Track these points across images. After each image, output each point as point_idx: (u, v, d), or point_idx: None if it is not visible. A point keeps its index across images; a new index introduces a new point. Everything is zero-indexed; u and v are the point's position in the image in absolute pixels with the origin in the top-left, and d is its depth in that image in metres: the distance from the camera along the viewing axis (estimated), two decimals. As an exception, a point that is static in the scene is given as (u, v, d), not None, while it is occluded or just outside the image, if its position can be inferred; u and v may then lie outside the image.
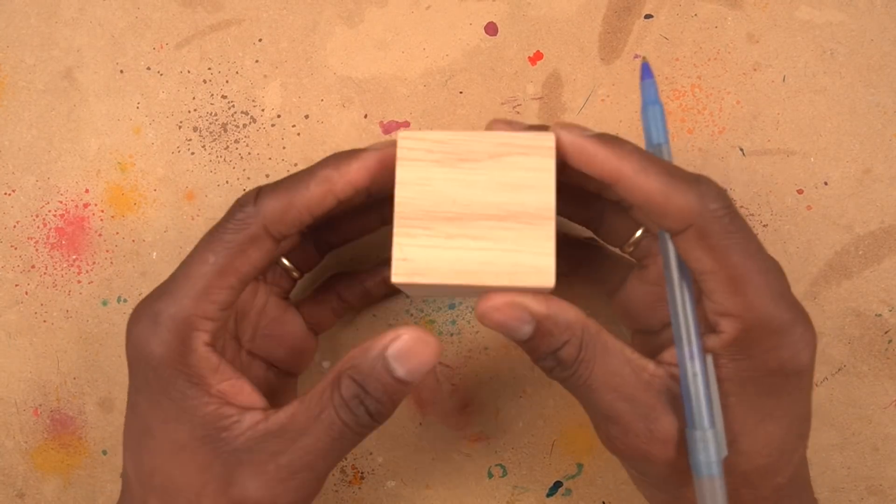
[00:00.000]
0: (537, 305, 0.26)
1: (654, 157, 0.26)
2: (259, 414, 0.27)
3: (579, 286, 0.36)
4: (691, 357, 0.26)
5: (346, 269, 0.35)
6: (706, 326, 0.27)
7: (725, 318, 0.26)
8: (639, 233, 0.31)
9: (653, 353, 0.28)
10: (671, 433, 0.26)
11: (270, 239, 0.27)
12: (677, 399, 0.27)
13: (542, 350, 0.26)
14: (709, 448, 0.26)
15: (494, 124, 0.27)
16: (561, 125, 0.26)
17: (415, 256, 0.25)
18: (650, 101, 0.28)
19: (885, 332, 0.36)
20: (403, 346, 0.25)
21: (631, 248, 0.31)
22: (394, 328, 0.26)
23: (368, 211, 0.32)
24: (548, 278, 0.25)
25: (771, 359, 0.26)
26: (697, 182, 0.25)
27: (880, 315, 0.36)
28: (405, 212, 0.25)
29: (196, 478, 0.26)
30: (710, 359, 0.26)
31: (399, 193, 0.25)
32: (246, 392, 0.27)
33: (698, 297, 0.27)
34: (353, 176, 0.26)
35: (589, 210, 0.32)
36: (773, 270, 0.26)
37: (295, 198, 0.26)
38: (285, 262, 0.33)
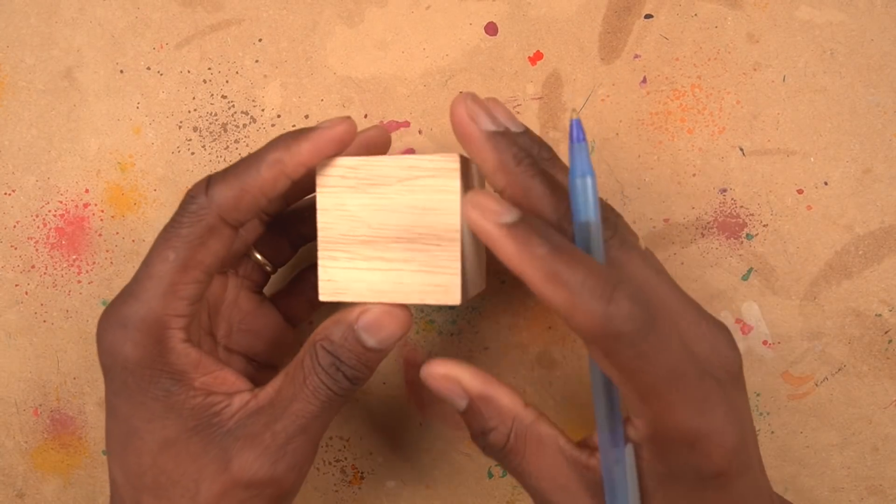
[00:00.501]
0: (472, 383, 0.27)
1: (569, 259, 0.23)
2: (247, 395, 0.27)
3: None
4: (614, 444, 0.26)
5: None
6: (627, 415, 0.26)
7: (637, 419, 0.25)
8: None
9: None
10: None
11: (228, 227, 0.27)
12: (600, 487, 0.26)
13: (474, 428, 0.27)
14: None
15: (459, 97, 0.26)
16: (475, 203, 0.24)
17: (337, 277, 0.27)
18: (580, 171, 0.25)
19: (885, 332, 0.36)
20: (372, 318, 0.26)
21: None
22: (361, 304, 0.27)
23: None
24: (454, 297, 0.26)
25: (683, 463, 0.25)
26: (609, 299, 0.23)
27: (880, 315, 0.36)
28: (327, 236, 0.27)
29: (191, 466, 0.26)
30: (630, 448, 0.25)
31: (320, 219, 0.27)
32: (230, 381, 0.28)
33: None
34: (303, 157, 0.26)
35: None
36: (693, 374, 0.24)
37: (247, 183, 0.26)
38: (258, 256, 0.33)
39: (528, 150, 0.26)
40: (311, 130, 0.26)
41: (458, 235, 0.26)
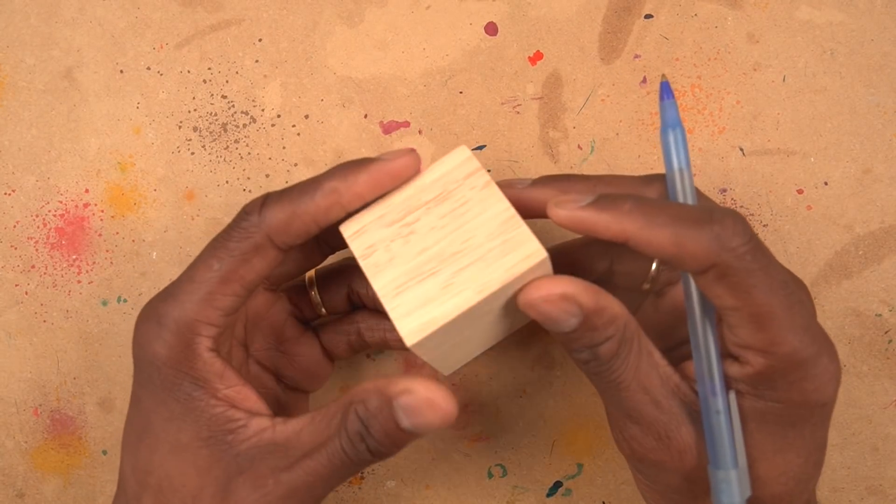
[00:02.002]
0: (588, 299, 0.25)
1: (658, 204, 0.25)
2: (266, 421, 0.27)
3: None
4: (713, 394, 0.26)
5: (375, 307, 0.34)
6: (728, 354, 0.26)
7: (749, 351, 0.25)
8: (653, 267, 0.30)
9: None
10: (689, 444, 0.26)
11: (275, 248, 0.26)
12: (697, 414, 0.26)
13: (582, 343, 0.26)
14: (732, 489, 0.25)
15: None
16: (555, 202, 0.25)
17: (415, 313, 0.25)
18: (671, 123, 0.27)
19: (885, 332, 0.36)
20: (413, 403, 0.25)
21: (647, 286, 0.31)
22: (410, 377, 0.25)
23: None
24: (537, 252, 0.25)
25: (795, 392, 0.25)
26: (711, 221, 0.24)
27: (880, 315, 0.36)
28: (389, 291, 0.25)
29: (194, 480, 0.26)
30: (733, 395, 0.26)
31: (375, 283, 0.25)
32: (252, 399, 0.27)
33: (720, 326, 0.26)
34: (360, 189, 0.26)
35: (597, 267, 0.31)
36: (799, 302, 0.25)
37: (300, 209, 0.26)
38: (317, 296, 0.32)
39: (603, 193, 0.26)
40: (371, 161, 0.26)
41: (508, 205, 0.25)
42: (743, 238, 0.24)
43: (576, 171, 0.36)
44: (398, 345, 0.32)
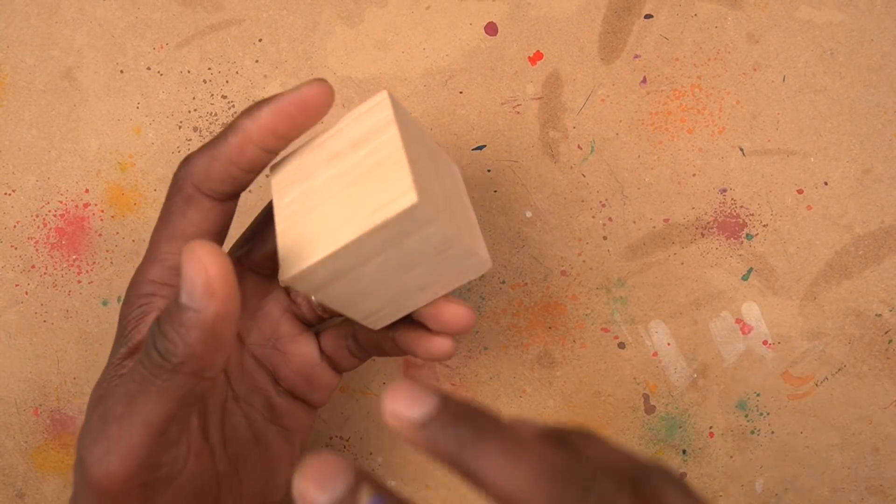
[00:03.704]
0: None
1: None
2: None
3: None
4: None
5: None
6: None
7: None
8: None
9: None
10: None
11: (204, 197, 0.27)
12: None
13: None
14: None
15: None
16: (393, 394, 0.20)
17: (294, 253, 0.24)
18: None
19: (885, 332, 0.36)
20: (185, 269, 0.22)
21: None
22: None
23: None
24: (409, 195, 0.23)
25: None
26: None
27: (880, 315, 0.36)
28: (281, 233, 0.25)
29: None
30: None
31: (278, 217, 0.26)
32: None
33: None
34: (265, 120, 0.26)
35: None
36: None
37: (215, 152, 0.26)
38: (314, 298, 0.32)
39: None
40: (274, 96, 0.26)
41: (397, 138, 0.24)
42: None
43: (576, 172, 0.36)
44: (389, 347, 0.31)
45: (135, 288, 0.27)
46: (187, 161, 0.27)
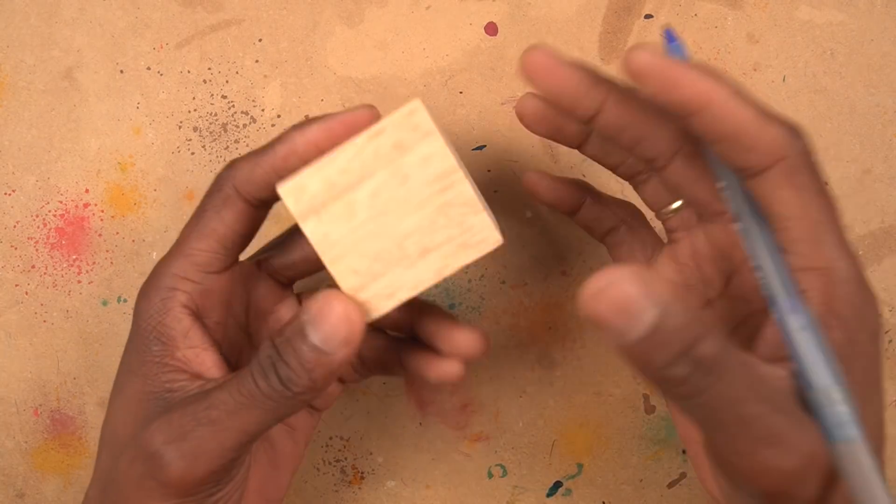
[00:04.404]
0: (663, 285, 0.20)
1: (741, 88, 0.23)
2: (205, 383, 0.27)
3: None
4: (794, 310, 0.22)
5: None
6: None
7: (809, 273, 0.23)
8: (677, 203, 0.29)
9: None
10: (822, 445, 0.22)
11: (242, 200, 0.27)
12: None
13: (671, 347, 0.20)
14: (837, 406, 0.21)
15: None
16: (639, 46, 0.22)
17: (369, 296, 0.25)
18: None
19: (885, 332, 0.36)
20: (316, 310, 0.24)
21: (668, 216, 0.29)
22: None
23: None
24: (493, 237, 0.25)
25: (858, 318, 0.22)
26: (785, 119, 0.23)
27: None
28: (340, 268, 0.25)
29: (130, 430, 0.27)
30: (813, 311, 0.23)
31: (322, 252, 0.25)
32: (206, 365, 0.28)
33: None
34: (313, 135, 0.26)
35: (641, 165, 0.29)
36: (842, 224, 0.23)
37: (261, 159, 0.27)
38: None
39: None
40: (326, 115, 0.27)
41: (460, 174, 0.24)
42: (809, 142, 0.23)
43: (576, 172, 0.36)
44: (397, 368, 0.31)
45: (156, 279, 0.28)
46: (232, 164, 0.28)
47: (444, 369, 0.29)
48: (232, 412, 0.25)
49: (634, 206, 0.31)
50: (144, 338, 0.28)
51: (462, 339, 0.29)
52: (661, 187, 0.29)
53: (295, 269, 0.31)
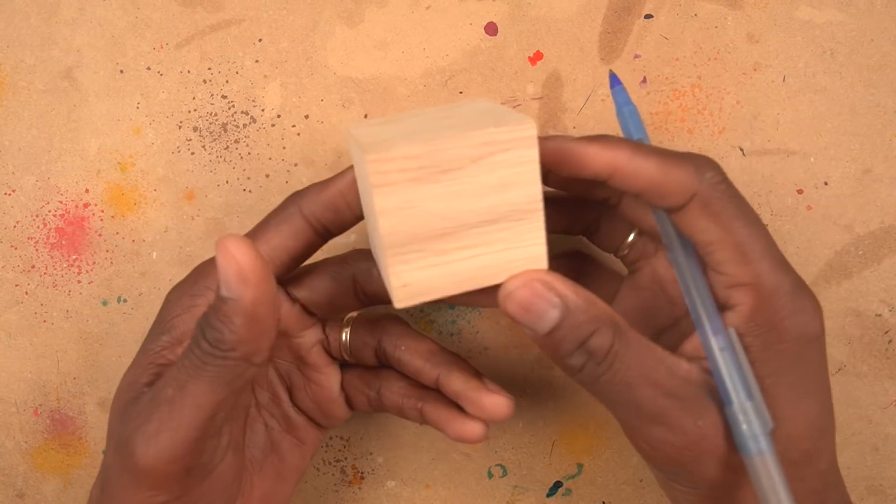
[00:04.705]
0: (565, 287, 0.24)
1: (642, 144, 0.26)
2: None
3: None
4: (715, 332, 0.25)
5: (398, 365, 0.31)
6: (720, 305, 0.26)
7: (739, 289, 0.25)
8: (632, 235, 0.31)
9: None
10: (721, 427, 0.25)
11: (302, 218, 0.28)
12: (717, 392, 0.25)
13: (570, 341, 0.24)
14: (752, 421, 0.24)
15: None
16: (544, 136, 0.26)
17: (412, 280, 0.24)
18: (624, 102, 0.29)
19: (885, 332, 0.36)
20: (220, 261, 0.23)
21: (625, 252, 0.31)
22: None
23: None
24: (542, 264, 0.25)
25: (790, 326, 0.25)
26: (690, 157, 0.26)
27: (880, 315, 0.36)
28: (394, 241, 0.24)
29: (114, 422, 0.27)
30: (733, 331, 0.25)
31: (383, 223, 0.24)
32: None
33: (705, 273, 0.26)
34: None
35: (583, 219, 0.31)
36: (769, 237, 0.26)
37: (329, 182, 0.28)
38: (346, 337, 0.32)
39: None
40: None
41: (540, 205, 0.25)
42: (718, 171, 0.25)
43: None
44: (415, 416, 0.31)
45: (192, 281, 0.29)
46: (302, 190, 0.29)
47: (469, 430, 0.29)
48: (182, 387, 0.25)
49: (581, 252, 0.34)
50: (158, 330, 0.28)
51: (490, 404, 0.29)
52: (610, 230, 0.31)
53: (321, 305, 0.31)
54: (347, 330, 0.32)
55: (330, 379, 0.32)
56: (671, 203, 0.25)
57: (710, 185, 0.25)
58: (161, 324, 0.29)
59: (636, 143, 0.26)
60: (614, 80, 0.30)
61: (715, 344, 0.25)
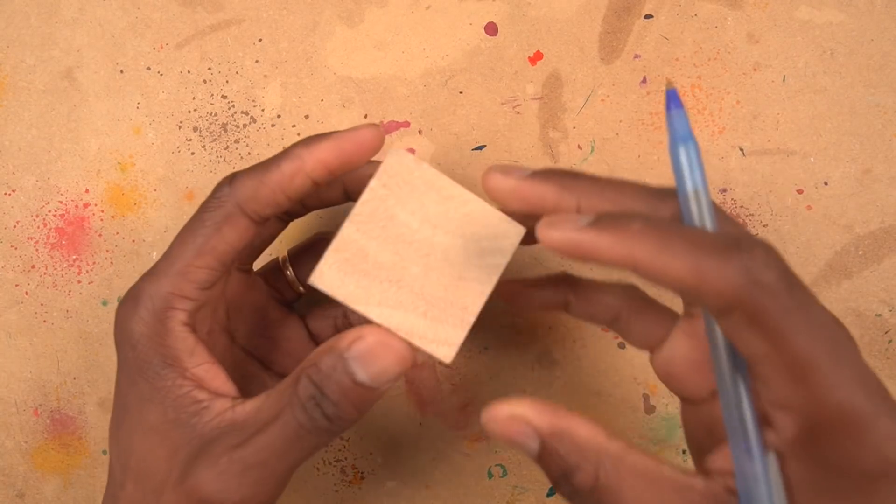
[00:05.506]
0: (541, 419, 0.23)
1: (673, 228, 0.21)
2: (228, 402, 0.26)
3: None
4: (749, 457, 0.22)
5: None
6: (763, 419, 0.22)
7: (787, 411, 0.21)
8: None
9: (705, 428, 0.25)
10: None
11: (246, 218, 0.27)
12: None
13: (554, 471, 0.23)
14: None
15: (490, 173, 0.25)
16: (547, 221, 0.22)
17: (339, 273, 0.24)
18: (682, 137, 0.23)
19: (885, 332, 0.36)
20: (365, 348, 0.24)
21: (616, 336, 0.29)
22: (358, 327, 0.25)
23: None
24: (448, 355, 0.25)
25: (848, 459, 0.21)
26: (738, 249, 0.20)
27: (880, 315, 0.36)
28: (353, 230, 0.24)
29: (163, 463, 0.26)
30: (772, 457, 0.22)
31: (360, 206, 0.25)
32: (220, 379, 0.27)
33: (751, 381, 0.22)
34: (322, 155, 0.26)
35: (549, 300, 0.30)
36: (844, 345, 0.21)
37: (266, 176, 0.26)
38: (291, 273, 0.32)
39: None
40: (335, 132, 0.26)
41: (480, 308, 0.25)
42: (777, 272, 0.20)
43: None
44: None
45: (146, 300, 0.27)
46: (234, 179, 0.27)
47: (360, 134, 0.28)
48: (280, 454, 0.25)
49: (632, 286, 0.29)
50: (146, 362, 0.27)
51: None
52: (644, 319, 0.28)
53: (251, 251, 0.31)
54: (289, 268, 0.32)
55: (296, 329, 0.32)
56: (709, 308, 0.21)
57: (762, 292, 0.20)
58: (146, 355, 0.27)
59: (664, 228, 0.21)
60: (673, 100, 0.23)
61: (749, 471, 0.22)
